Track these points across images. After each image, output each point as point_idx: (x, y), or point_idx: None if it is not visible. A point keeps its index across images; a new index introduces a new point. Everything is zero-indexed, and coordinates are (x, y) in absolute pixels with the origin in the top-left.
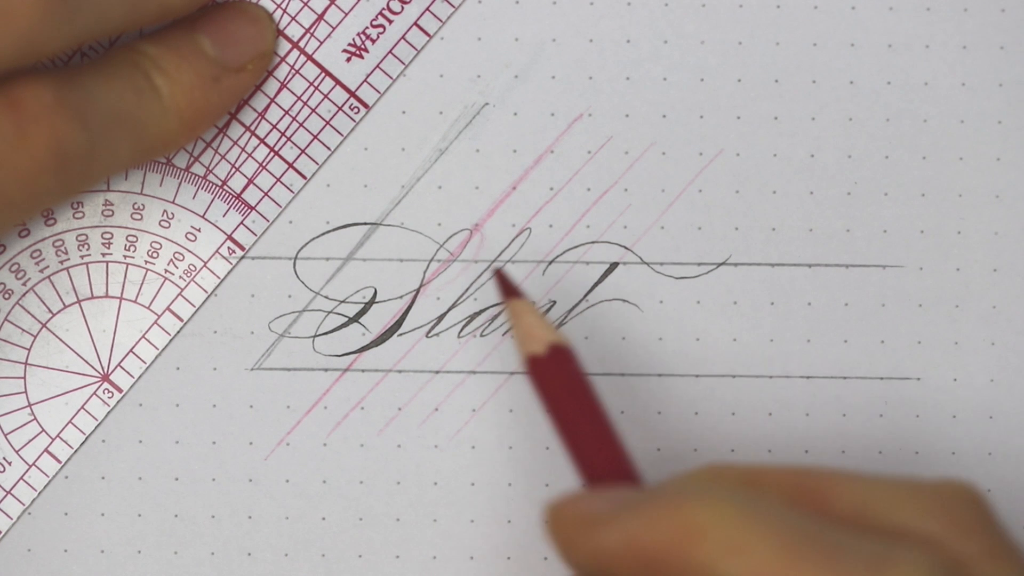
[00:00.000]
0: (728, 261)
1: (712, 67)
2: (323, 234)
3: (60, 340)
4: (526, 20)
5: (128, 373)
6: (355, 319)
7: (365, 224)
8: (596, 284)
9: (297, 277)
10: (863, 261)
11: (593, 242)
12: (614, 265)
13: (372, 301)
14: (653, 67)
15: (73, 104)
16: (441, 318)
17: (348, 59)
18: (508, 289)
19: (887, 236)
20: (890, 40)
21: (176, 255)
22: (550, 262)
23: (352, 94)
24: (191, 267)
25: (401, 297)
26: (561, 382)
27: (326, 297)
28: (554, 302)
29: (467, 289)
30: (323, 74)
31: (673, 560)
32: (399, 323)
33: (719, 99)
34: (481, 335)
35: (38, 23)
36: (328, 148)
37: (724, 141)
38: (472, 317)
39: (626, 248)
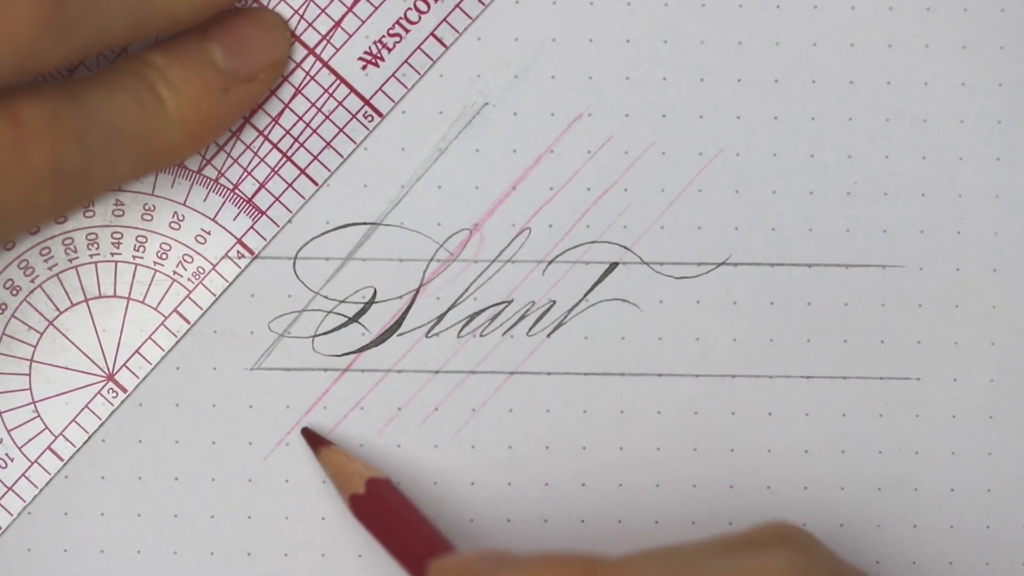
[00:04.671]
0: (728, 261)
1: (712, 67)
2: (323, 234)
3: (66, 338)
4: (526, 20)
5: (133, 374)
6: (355, 319)
7: (365, 224)
8: (596, 284)
9: (297, 277)
10: (863, 261)
11: (593, 242)
12: (614, 265)
13: (372, 301)
14: (653, 67)
15: (71, 121)
16: (441, 318)
17: (364, 67)
18: (316, 440)
19: (887, 236)
20: (890, 40)
21: (185, 257)
22: (550, 262)
23: (367, 102)
24: (200, 269)
25: (401, 297)
26: (386, 511)
27: (326, 297)
28: (554, 302)
29: (467, 289)
30: (338, 81)
31: None
32: (399, 323)
33: (719, 99)
34: (481, 335)
35: (38, 37)
36: (341, 156)
37: (724, 141)
38: (472, 317)
39: (626, 248)
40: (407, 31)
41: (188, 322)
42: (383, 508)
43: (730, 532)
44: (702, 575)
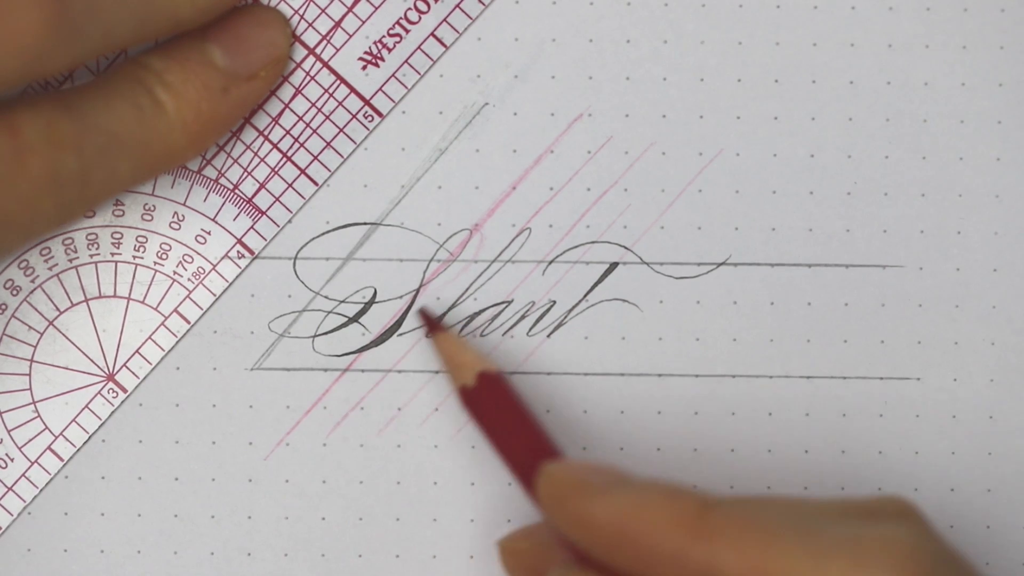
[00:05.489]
0: (728, 261)
1: (712, 67)
2: (323, 234)
3: (66, 338)
4: (526, 20)
5: (133, 374)
6: (355, 319)
7: (365, 224)
8: (596, 284)
9: (297, 277)
10: (863, 261)
11: (593, 242)
12: (614, 265)
13: (372, 301)
14: (653, 67)
15: (67, 131)
16: (441, 318)
17: (364, 67)
18: (432, 324)
19: (887, 236)
20: (890, 40)
21: (185, 257)
22: (550, 262)
23: (367, 102)
24: (200, 270)
25: (401, 297)
26: (495, 407)
27: (326, 297)
28: (554, 302)
29: (467, 289)
30: (338, 81)
31: (650, 542)
32: (399, 323)
33: (719, 99)
34: (481, 335)
35: (44, 41)
36: (341, 156)
37: (724, 141)
38: (472, 317)
39: (626, 248)
40: (407, 31)
41: (188, 322)
42: (493, 403)
43: (846, 497)
44: (823, 536)
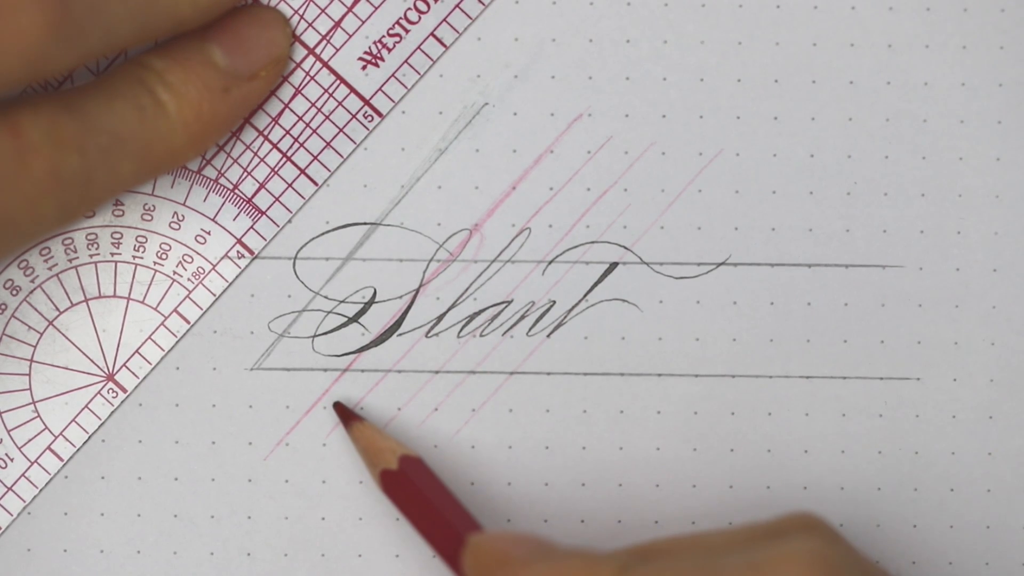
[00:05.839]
0: (728, 261)
1: (712, 67)
2: (323, 234)
3: (66, 338)
4: (526, 20)
5: (133, 374)
6: (355, 319)
7: (365, 224)
8: (596, 284)
9: (297, 277)
10: (863, 261)
11: (593, 242)
12: (614, 265)
13: (372, 301)
14: (653, 67)
15: (70, 132)
16: (441, 318)
17: (364, 67)
18: (348, 415)
19: (887, 236)
20: (890, 40)
21: (185, 257)
22: (550, 262)
23: (366, 102)
24: (200, 269)
25: (401, 297)
26: (419, 488)
27: (326, 297)
28: (554, 302)
29: (467, 289)
30: (338, 81)
31: None
32: (399, 323)
33: (719, 99)
34: (481, 335)
35: (46, 42)
36: (341, 156)
37: (724, 141)
38: (472, 317)
39: (626, 248)
40: (407, 31)
41: (188, 322)
42: (415, 486)
43: (756, 521)
44: (724, 571)
